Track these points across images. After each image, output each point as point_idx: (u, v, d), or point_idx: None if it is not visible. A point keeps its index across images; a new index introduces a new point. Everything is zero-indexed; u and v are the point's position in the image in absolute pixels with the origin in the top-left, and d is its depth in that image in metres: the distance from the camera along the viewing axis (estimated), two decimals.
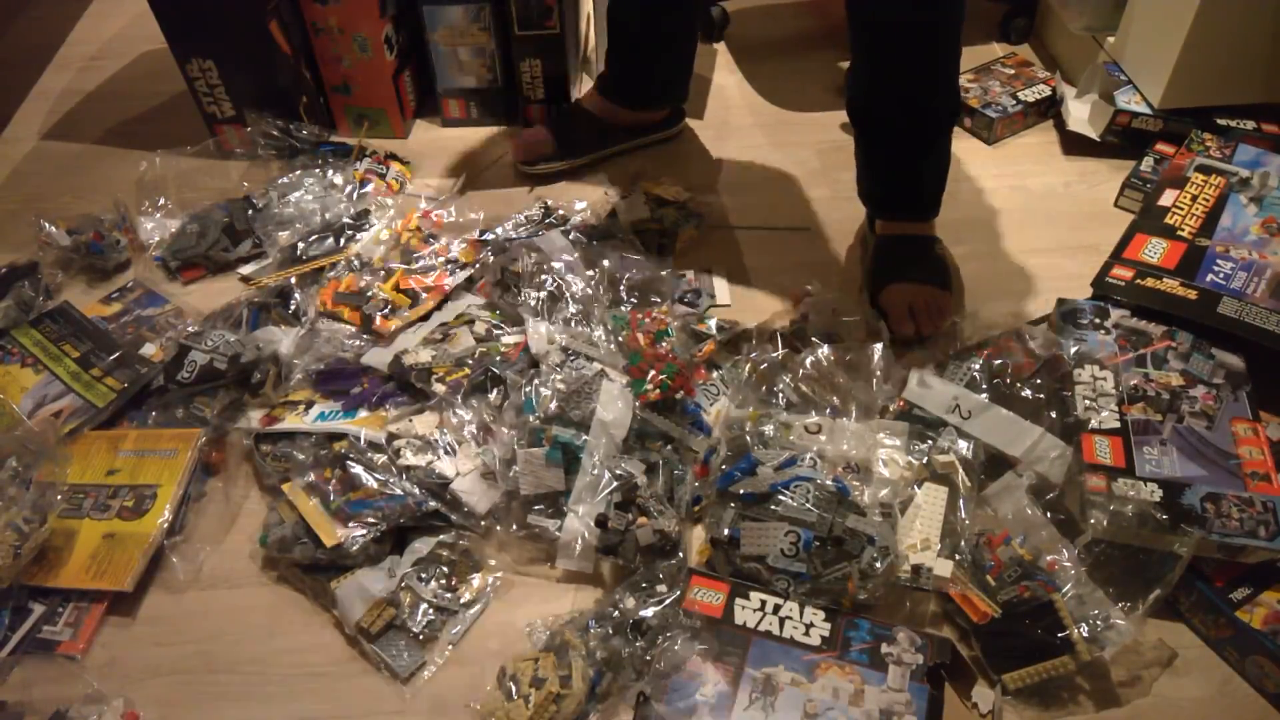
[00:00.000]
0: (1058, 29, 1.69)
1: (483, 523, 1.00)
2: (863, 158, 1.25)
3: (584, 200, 1.39)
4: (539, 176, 1.48)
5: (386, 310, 1.19)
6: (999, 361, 1.07)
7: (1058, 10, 1.67)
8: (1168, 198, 1.22)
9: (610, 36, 1.43)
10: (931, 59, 1.11)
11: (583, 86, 1.69)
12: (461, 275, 1.25)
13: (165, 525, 1.00)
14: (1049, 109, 1.58)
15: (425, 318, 1.20)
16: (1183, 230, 1.17)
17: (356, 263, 1.28)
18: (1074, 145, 1.52)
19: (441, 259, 1.27)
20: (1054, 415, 1.02)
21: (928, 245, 1.25)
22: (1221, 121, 1.41)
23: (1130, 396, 1.01)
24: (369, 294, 1.21)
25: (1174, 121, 1.43)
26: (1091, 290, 1.15)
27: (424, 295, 1.21)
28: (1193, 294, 1.10)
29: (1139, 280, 1.13)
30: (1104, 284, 1.14)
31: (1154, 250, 1.16)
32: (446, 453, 1.01)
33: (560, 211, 1.37)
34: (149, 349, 1.19)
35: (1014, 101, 1.55)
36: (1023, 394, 1.04)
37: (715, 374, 1.12)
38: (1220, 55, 1.37)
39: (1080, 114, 1.52)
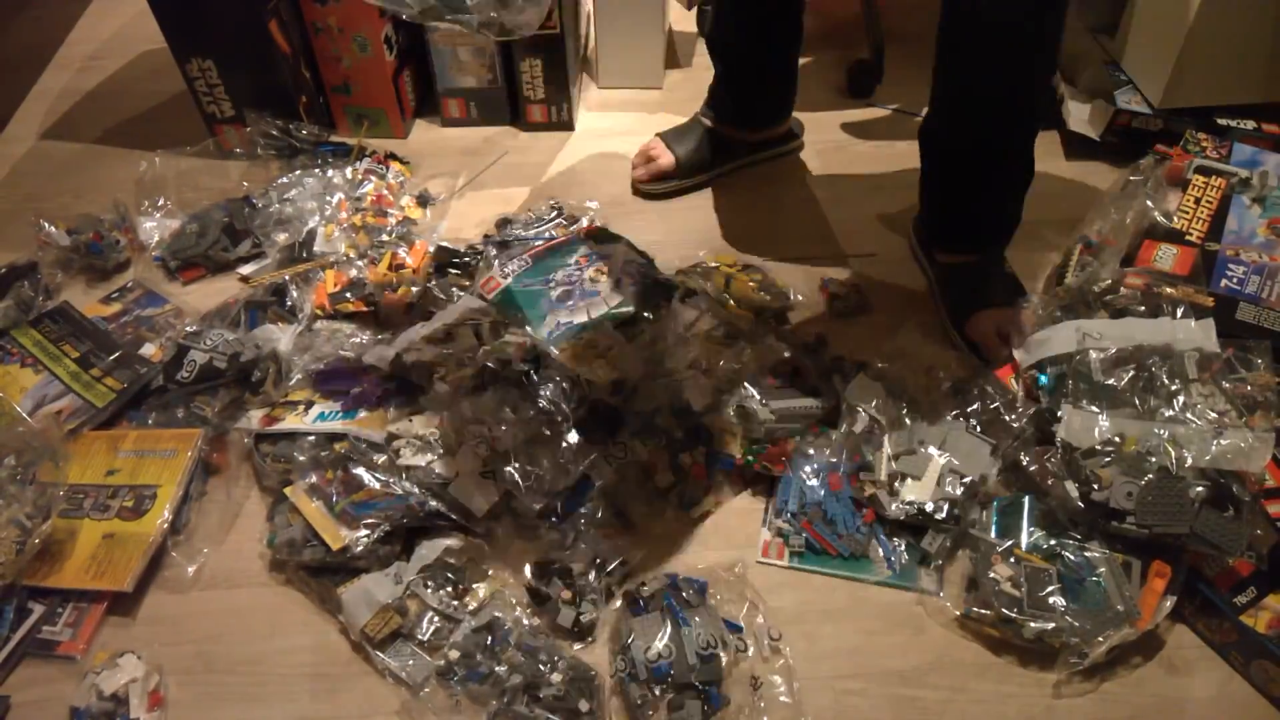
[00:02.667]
0: None
1: (482, 523, 1.00)
2: (930, 189, 1.23)
3: (595, 200, 1.40)
4: (656, 195, 1.46)
5: (390, 287, 1.20)
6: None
7: None
8: (1171, 201, 1.21)
9: (715, 62, 1.42)
10: (1028, 68, 1.05)
11: (583, 87, 1.69)
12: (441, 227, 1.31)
13: (165, 525, 1.00)
14: (1049, 110, 1.57)
15: (428, 278, 1.23)
16: (1191, 235, 1.17)
17: (332, 260, 1.29)
18: (1074, 145, 1.52)
19: (401, 223, 1.32)
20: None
21: (998, 263, 1.23)
22: (1222, 121, 1.41)
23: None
24: (364, 283, 1.22)
25: (1174, 121, 1.43)
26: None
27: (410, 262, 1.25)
28: (1209, 301, 1.08)
29: (1155, 289, 1.10)
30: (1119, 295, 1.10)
31: (1165, 257, 1.15)
32: (446, 452, 1.01)
33: (569, 211, 1.38)
34: (148, 349, 1.19)
35: None
36: None
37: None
38: (1220, 55, 1.37)
39: (1080, 114, 1.52)
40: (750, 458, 1.03)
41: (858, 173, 1.50)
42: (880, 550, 0.99)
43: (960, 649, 0.93)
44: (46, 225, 1.32)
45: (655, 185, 1.45)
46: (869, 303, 1.26)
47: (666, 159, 1.45)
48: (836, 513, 1.01)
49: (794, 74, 1.44)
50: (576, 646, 0.92)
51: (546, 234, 1.31)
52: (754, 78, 1.40)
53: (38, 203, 1.47)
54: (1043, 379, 1.05)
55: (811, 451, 1.05)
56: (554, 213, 1.37)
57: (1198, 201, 1.20)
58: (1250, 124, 1.41)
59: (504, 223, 1.37)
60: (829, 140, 1.57)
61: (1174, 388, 0.97)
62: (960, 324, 1.19)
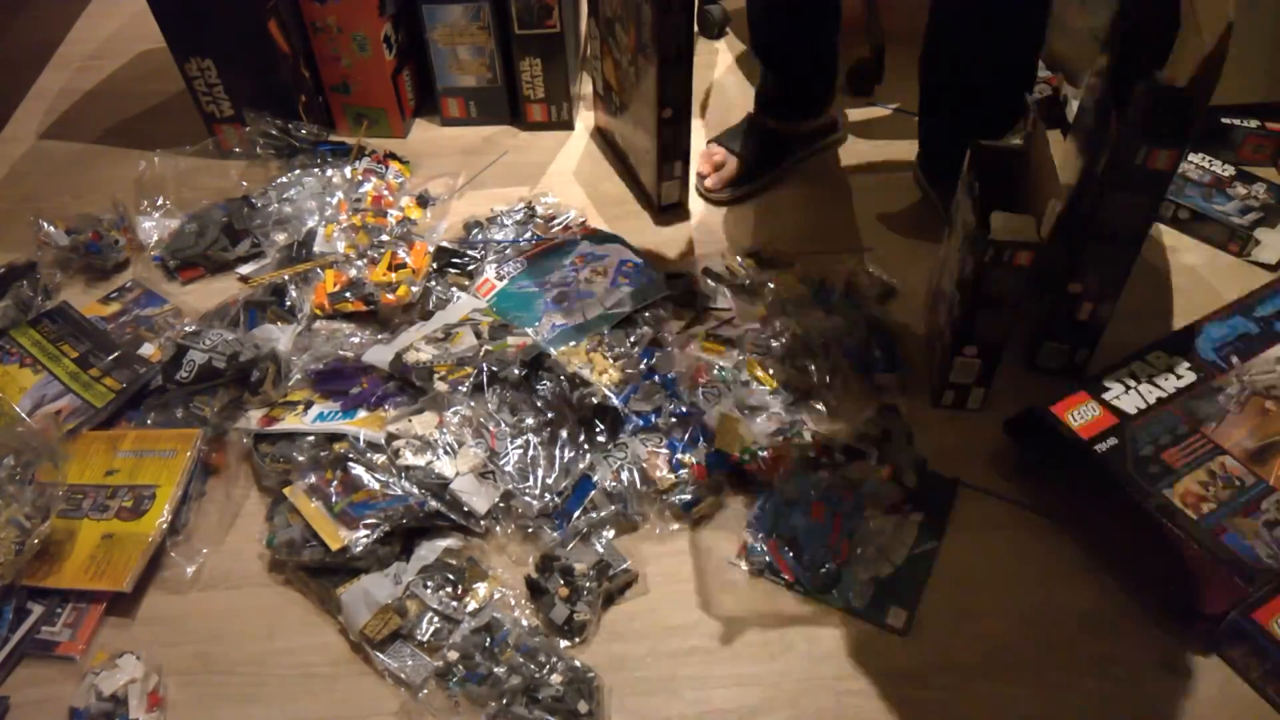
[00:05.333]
0: (1059, 29, 1.68)
1: (482, 523, 1.00)
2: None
3: (588, 201, 1.40)
4: (723, 201, 1.43)
5: (389, 288, 1.20)
6: None
7: (1059, 10, 1.66)
8: None
9: (763, 58, 1.42)
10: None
11: (583, 86, 1.69)
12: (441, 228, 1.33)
13: (164, 525, 0.99)
14: (1052, 109, 1.57)
15: (428, 278, 1.24)
16: None
17: (331, 260, 1.29)
18: None
19: (401, 223, 1.32)
20: None
21: None
22: (1225, 121, 1.41)
23: None
24: (364, 283, 1.22)
25: None
26: None
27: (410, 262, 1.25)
28: None
29: None
30: None
31: None
32: (446, 453, 1.01)
33: (548, 211, 1.38)
34: (148, 349, 1.19)
35: None
36: None
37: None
38: None
39: None
40: (745, 457, 1.02)
41: (858, 172, 1.50)
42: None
43: (961, 649, 0.92)
44: (45, 225, 1.32)
45: (724, 192, 1.42)
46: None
47: (732, 163, 1.42)
48: (808, 543, 0.97)
49: (836, 56, 1.42)
50: (564, 644, 0.92)
51: (516, 236, 1.31)
52: (800, 64, 1.40)
53: (37, 202, 1.47)
54: None
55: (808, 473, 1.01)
56: (524, 214, 1.37)
57: None
58: (1254, 123, 1.41)
59: (473, 225, 1.36)
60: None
61: None
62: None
